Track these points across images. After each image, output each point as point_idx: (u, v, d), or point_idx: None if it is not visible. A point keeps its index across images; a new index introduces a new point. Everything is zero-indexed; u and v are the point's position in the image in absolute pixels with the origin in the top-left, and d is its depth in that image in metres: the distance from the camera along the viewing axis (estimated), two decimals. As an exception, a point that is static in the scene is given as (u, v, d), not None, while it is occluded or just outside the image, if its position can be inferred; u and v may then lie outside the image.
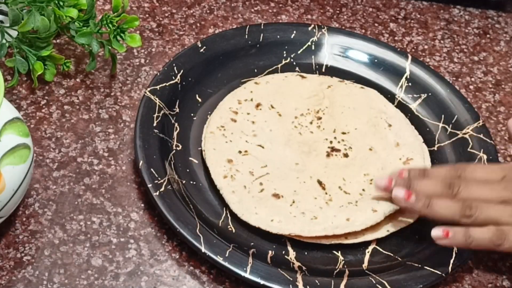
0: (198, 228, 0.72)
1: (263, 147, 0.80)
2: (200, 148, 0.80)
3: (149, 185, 0.74)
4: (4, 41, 0.83)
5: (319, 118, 0.84)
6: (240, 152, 0.79)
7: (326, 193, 0.77)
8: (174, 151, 0.79)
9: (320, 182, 0.78)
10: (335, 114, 0.84)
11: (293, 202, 0.75)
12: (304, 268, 0.72)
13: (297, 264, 0.73)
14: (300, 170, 0.79)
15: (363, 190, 0.78)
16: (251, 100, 0.84)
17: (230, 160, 0.78)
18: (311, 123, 0.83)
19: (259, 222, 0.73)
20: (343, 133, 0.83)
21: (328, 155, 0.80)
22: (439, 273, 0.72)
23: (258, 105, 0.83)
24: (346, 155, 0.80)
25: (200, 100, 0.85)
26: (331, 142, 0.81)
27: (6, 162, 0.66)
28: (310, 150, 0.80)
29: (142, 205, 0.76)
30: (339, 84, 0.87)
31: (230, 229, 0.74)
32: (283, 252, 0.74)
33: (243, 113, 0.82)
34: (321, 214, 0.74)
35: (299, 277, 0.71)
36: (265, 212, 0.74)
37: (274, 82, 0.86)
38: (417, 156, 0.81)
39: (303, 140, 0.81)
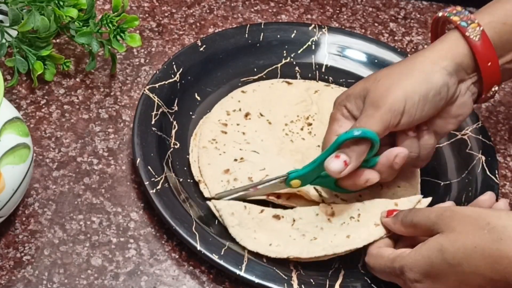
0: (194, 226, 0.72)
1: (258, 153, 0.79)
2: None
3: (146, 183, 0.74)
4: (4, 40, 0.83)
5: (310, 124, 0.83)
6: (236, 160, 0.78)
7: (329, 210, 0.75)
8: (172, 149, 0.79)
9: (316, 189, 0.76)
10: (324, 120, 0.82)
11: (294, 221, 0.74)
12: (299, 266, 0.72)
13: (292, 262, 0.73)
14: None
15: (360, 196, 0.76)
16: (240, 110, 0.82)
17: (226, 170, 0.77)
18: (301, 129, 0.82)
19: (257, 247, 0.71)
20: None
21: None
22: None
23: (247, 115, 0.82)
24: None
25: (199, 98, 0.85)
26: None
27: (6, 162, 0.66)
28: (303, 158, 0.79)
29: (142, 204, 0.76)
30: (326, 88, 0.86)
31: (226, 227, 0.74)
32: (280, 251, 0.74)
33: (233, 124, 0.81)
34: (322, 234, 0.72)
35: (294, 276, 0.71)
36: (265, 236, 0.72)
37: (261, 90, 0.85)
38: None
39: (296, 148, 0.80)
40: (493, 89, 0.75)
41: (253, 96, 0.84)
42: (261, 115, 0.83)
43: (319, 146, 0.80)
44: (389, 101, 0.71)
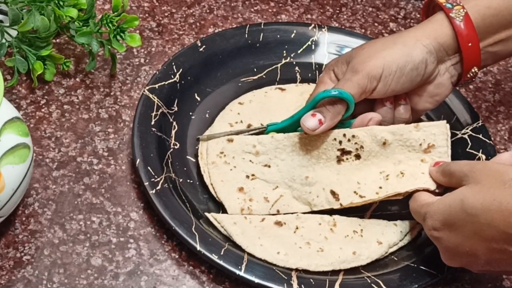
0: (193, 226, 0.72)
1: (269, 167, 0.78)
2: (197, 147, 0.80)
3: (146, 183, 0.74)
4: (4, 40, 0.83)
5: None
6: (248, 177, 0.77)
7: (331, 221, 0.75)
8: (171, 149, 0.79)
9: (333, 193, 0.76)
10: None
11: (297, 228, 0.74)
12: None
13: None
14: (311, 183, 0.77)
15: (380, 187, 0.75)
16: (241, 122, 0.82)
17: (241, 189, 0.76)
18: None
19: (264, 254, 0.72)
20: (352, 135, 0.78)
21: (338, 161, 0.77)
22: (435, 273, 0.72)
23: (249, 126, 0.81)
24: (358, 157, 0.76)
25: (199, 99, 0.85)
26: (340, 142, 0.76)
27: (6, 162, 0.66)
28: (319, 154, 0.77)
29: (142, 204, 0.76)
30: None
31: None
32: (280, 251, 0.74)
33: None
34: (327, 245, 0.73)
35: (294, 276, 0.71)
36: (269, 243, 0.72)
37: (256, 100, 0.84)
38: (439, 138, 0.76)
39: (310, 142, 0.78)
40: (473, 70, 0.77)
41: (251, 107, 0.84)
42: (262, 125, 0.82)
43: (335, 139, 0.77)
44: (368, 67, 0.75)
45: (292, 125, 0.78)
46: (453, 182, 0.70)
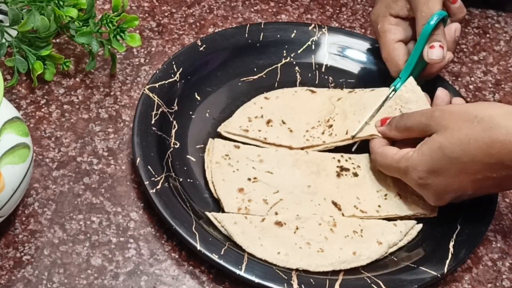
0: (194, 225, 0.72)
1: (271, 173, 0.78)
2: (198, 146, 0.80)
3: (146, 182, 0.74)
4: (4, 40, 0.83)
5: (330, 126, 0.82)
6: (249, 179, 0.77)
7: (331, 221, 0.75)
8: (172, 148, 0.79)
9: (335, 203, 0.77)
10: (346, 116, 0.82)
11: (297, 228, 0.74)
12: (299, 266, 0.72)
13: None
14: (313, 192, 0.77)
15: (379, 206, 0.77)
16: (262, 116, 0.82)
17: (241, 189, 0.76)
18: (322, 133, 0.82)
19: (265, 254, 0.72)
20: (349, 157, 0.81)
21: (338, 175, 0.79)
22: (435, 273, 0.72)
23: (269, 122, 0.82)
24: (355, 175, 0.79)
25: (199, 98, 0.85)
26: (338, 161, 0.80)
27: (6, 162, 0.66)
28: (319, 170, 0.79)
29: (142, 204, 0.76)
30: (349, 95, 0.86)
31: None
32: (280, 251, 0.74)
33: (254, 130, 0.81)
34: (327, 246, 0.73)
35: (294, 276, 0.71)
36: (270, 243, 0.72)
37: (284, 97, 0.85)
38: None
39: (311, 160, 0.80)
40: None
41: (276, 103, 0.84)
42: (283, 122, 0.82)
43: (334, 158, 0.80)
44: None
45: (412, 71, 0.82)
46: (413, 134, 0.75)
